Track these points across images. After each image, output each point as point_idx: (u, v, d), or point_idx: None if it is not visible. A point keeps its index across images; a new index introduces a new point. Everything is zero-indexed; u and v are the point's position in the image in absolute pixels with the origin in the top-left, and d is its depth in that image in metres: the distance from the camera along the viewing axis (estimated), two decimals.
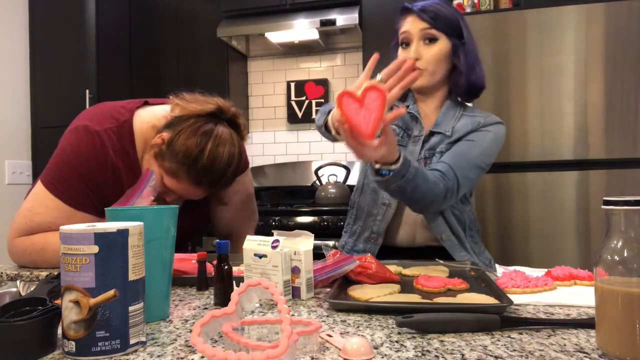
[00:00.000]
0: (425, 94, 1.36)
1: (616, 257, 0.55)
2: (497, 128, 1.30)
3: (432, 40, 1.27)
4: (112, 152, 1.13)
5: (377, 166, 1.06)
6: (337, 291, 0.83)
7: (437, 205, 1.21)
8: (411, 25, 1.28)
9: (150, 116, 1.16)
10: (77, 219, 1.11)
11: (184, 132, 1.06)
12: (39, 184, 1.14)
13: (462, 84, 1.30)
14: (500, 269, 1.03)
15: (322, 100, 3.17)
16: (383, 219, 1.33)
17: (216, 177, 1.09)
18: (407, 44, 1.30)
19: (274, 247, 0.84)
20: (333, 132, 1.02)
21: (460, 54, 1.29)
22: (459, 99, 1.37)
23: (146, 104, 1.21)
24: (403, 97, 1.39)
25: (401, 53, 1.31)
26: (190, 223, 1.25)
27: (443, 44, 1.27)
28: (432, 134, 1.32)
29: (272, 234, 0.88)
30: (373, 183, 1.29)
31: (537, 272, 1.00)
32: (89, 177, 1.12)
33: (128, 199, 1.07)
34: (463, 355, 0.57)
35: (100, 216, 1.15)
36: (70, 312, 0.58)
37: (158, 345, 0.63)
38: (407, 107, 1.36)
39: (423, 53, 1.27)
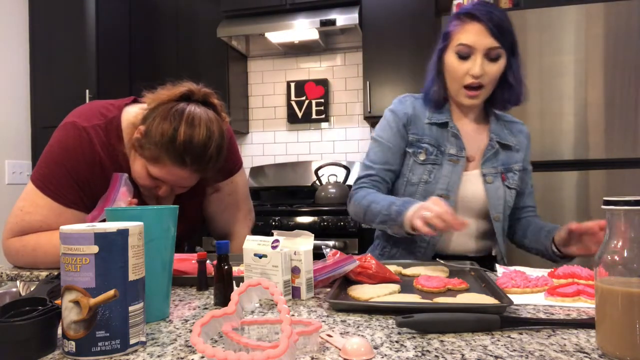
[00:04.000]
0: (469, 108, 1.30)
1: (616, 257, 0.55)
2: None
3: (496, 58, 1.20)
4: (100, 148, 1.13)
5: None
6: (337, 291, 0.83)
7: None
8: (477, 39, 1.18)
9: (134, 114, 1.16)
10: (67, 217, 1.11)
11: (156, 118, 1.06)
12: (30, 183, 1.14)
13: (509, 97, 1.28)
14: (500, 269, 1.03)
15: (322, 100, 3.17)
16: (429, 246, 1.27)
17: (198, 152, 1.05)
18: (466, 56, 1.21)
19: (274, 247, 0.84)
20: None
21: (514, 69, 1.25)
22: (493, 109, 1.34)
23: (135, 101, 1.21)
24: (439, 108, 1.31)
25: (458, 65, 1.22)
26: (183, 226, 1.25)
27: (503, 61, 1.22)
28: (497, 145, 1.29)
29: (272, 234, 0.88)
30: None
31: (537, 272, 1.00)
32: (77, 173, 1.12)
33: (104, 205, 1.07)
34: (463, 355, 0.57)
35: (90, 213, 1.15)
36: (70, 312, 0.58)
37: (158, 345, 0.63)
38: (447, 123, 1.29)
39: (486, 70, 1.20)
